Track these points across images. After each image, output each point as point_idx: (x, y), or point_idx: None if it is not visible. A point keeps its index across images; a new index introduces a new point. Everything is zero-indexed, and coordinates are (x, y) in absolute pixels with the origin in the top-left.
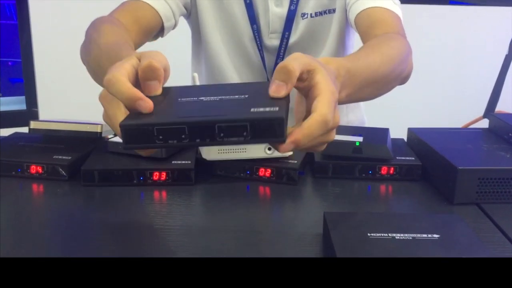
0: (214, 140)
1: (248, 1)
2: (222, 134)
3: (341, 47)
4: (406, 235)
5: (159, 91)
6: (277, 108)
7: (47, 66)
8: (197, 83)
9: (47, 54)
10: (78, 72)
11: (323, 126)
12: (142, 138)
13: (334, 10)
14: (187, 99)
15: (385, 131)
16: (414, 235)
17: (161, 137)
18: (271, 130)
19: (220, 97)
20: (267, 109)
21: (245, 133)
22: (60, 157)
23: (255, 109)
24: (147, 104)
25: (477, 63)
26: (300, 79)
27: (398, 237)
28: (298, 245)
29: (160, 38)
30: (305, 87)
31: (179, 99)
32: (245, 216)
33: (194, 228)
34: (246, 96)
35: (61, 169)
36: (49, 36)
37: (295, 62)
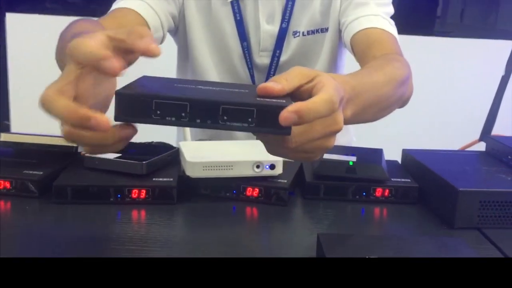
0: (216, 123)
1: (238, 18)
2: (225, 117)
3: (333, 66)
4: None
5: (158, 50)
6: (284, 101)
7: (23, 79)
8: None
9: (23, 68)
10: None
11: (329, 105)
12: (138, 110)
13: (326, 29)
14: (184, 85)
15: (379, 151)
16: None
17: (159, 112)
18: (277, 119)
19: (219, 88)
20: (274, 100)
21: (250, 119)
22: (30, 172)
23: (261, 99)
24: (101, 120)
25: (468, 88)
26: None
27: None
28: None
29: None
30: (308, 89)
31: (175, 84)
32: (230, 239)
33: (174, 251)
34: (246, 91)
35: (31, 185)
36: (25, 47)
37: (294, 71)
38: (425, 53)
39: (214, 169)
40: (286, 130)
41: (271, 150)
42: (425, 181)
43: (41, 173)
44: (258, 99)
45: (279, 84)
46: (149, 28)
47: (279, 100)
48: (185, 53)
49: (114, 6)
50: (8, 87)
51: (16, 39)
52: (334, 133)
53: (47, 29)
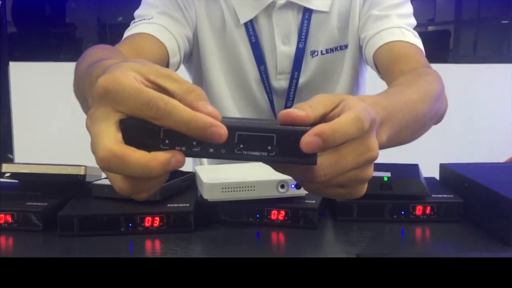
0: (231, 153)
1: (253, 40)
2: (241, 146)
3: (354, 85)
4: None
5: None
6: (308, 128)
7: (26, 113)
8: None
9: (27, 102)
10: (60, 119)
11: (356, 123)
12: (144, 139)
13: (346, 46)
14: None
15: (415, 166)
16: None
17: (167, 141)
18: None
19: (237, 119)
20: (296, 127)
21: (269, 147)
22: (34, 203)
23: (282, 126)
24: (181, 157)
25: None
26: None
27: None
28: None
29: None
30: (334, 115)
31: None
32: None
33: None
34: (268, 122)
35: (34, 217)
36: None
37: (317, 98)
38: (453, 72)
39: (234, 191)
40: (311, 159)
41: (302, 185)
42: (470, 196)
43: (45, 204)
44: (279, 126)
45: (302, 110)
46: (167, 52)
47: (301, 127)
48: (199, 78)
49: (127, 33)
50: (11, 120)
51: (20, 82)
52: (369, 161)
53: (50, 71)
